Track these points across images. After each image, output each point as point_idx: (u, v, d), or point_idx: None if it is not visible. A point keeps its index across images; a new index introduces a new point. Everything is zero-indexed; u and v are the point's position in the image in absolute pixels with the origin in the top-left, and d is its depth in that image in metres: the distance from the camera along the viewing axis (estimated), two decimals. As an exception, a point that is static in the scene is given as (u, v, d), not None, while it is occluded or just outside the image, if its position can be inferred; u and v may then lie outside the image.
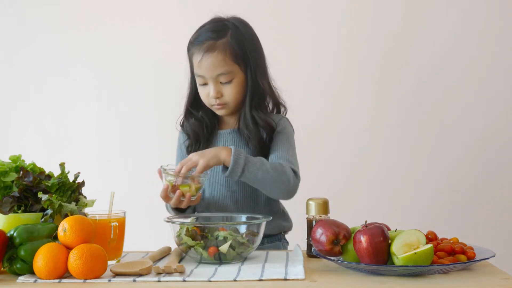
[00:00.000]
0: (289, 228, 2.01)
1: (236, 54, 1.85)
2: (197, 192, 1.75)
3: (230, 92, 1.86)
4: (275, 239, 1.96)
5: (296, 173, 1.82)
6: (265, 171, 1.76)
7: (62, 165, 1.67)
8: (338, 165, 2.90)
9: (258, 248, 1.86)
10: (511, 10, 2.87)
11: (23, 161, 1.67)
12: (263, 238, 1.90)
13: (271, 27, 2.81)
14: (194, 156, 1.75)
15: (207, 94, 1.88)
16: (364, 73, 2.90)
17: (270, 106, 1.97)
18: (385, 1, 2.89)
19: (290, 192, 1.83)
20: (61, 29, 2.99)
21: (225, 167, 1.77)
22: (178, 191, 1.72)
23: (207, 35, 1.86)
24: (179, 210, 1.85)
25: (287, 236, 2.04)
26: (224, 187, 1.92)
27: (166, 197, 1.75)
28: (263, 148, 1.89)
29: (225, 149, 1.76)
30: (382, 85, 2.90)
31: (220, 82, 1.86)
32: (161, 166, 1.76)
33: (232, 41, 1.85)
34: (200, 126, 1.94)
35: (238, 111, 1.93)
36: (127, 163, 2.96)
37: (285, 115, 2.00)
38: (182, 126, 2.00)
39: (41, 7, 2.99)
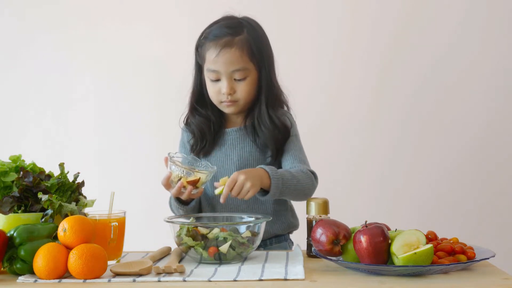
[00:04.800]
0: (296, 226, 2.00)
1: (253, 51, 1.85)
2: (200, 186, 1.74)
3: (243, 89, 1.86)
4: (282, 238, 1.96)
5: (314, 175, 1.87)
6: (295, 184, 1.79)
7: (61, 165, 1.67)
8: (338, 165, 2.90)
9: (266, 249, 1.86)
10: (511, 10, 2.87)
11: (23, 161, 1.67)
12: (270, 238, 1.91)
13: (272, 26, 2.81)
14: (239, 176, 1.69)
15: (218, 91, 1.86)
16: (364, 73, 2.90)
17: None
18: (385, 0, 2.89)
19: (310, 195, 1.85)
20: (61, 29, 2.99)
21: (262, 189, 1.76)
22: (180, 182, 1.71)
23: (223, 31, 1.85)
24: (183, 203, 1.85)
25: (291, 236, 2.03)
26: None
27: (167, 185, 1.74)
28: (277, 148, 1.89)
29: (264, 173, 1.74)
30: (383, 85, 2.90)
31: (234, 79, 1.85)
32: (169, 154, 1.73)
33: (250, 39, 1.85)
34: (206, 123, 1.92)
35: (246, 110, 1.93)
36: (127, 163, 2.96)
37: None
38: (187, 123, 1.98)
39: (41, 7, 2.99)
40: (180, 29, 2.85)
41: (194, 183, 1.71)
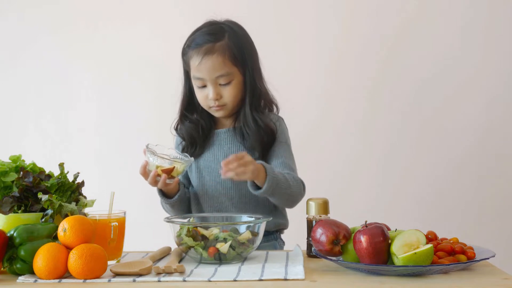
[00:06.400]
0: (285, 225, 2.02)
1: (235, 56, 1.88)
2: (176, 175, 1.76)
3: (229, 94, 1.89)
4: (271, 238, 1.97)
5: (303, 184, 1.89)
6: (286, 188, 1.81)
7: (61, 165, 1.67)
8: (338, 165, 2.90)
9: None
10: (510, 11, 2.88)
11: (23, 161, 1.67)
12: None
13: (266, 28, 2.82)
14: (247, 157, 1.70)
15: (205, 96, 1.90)
16: (364, 73, 2.90)
17: (262, 104, 1.98)
18: (381, 3, 2.89)
19: (296, 203, 1.90)
20: (61, 29, 2.99)
21: (253, 183, 1.79)
22: (154, 170, 1.75)
23: (204, 38, 1.88)
24: (166, 196, 1.88)
25: (284, 236, 2.05)
26: (220, 185, 1.93)
27: (144, 174, 1.78)
28: (263, 150, 1.91)
29: (262, 168, 1.75)
30: (382, 85, 2.90)
31: (219, 84, 1.88)
32: (147, 145, 1.77)
33: (231, 43, 1.88)
34: (195, 128, 1.96)
35: (235, 112, 1.95)
36: (127, 163, 2.95)
37: (278, 113, 2.02)
38: (176, 129, 2.02)
39: (41, 7, 2.99)
40: (180, 30, 2.84)
41: (169, 172, 1.74)
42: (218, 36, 1.88)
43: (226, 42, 1.87)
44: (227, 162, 1.69)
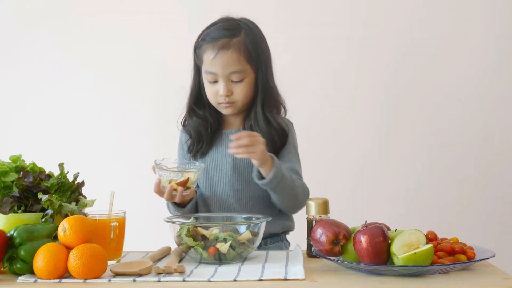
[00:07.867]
0: (291, 227, 2.01)
1: (250, 53, 1.86)
2: (191, 185, 1.75)
3: (241, 91, 1.87)
4: (278, 239, 1.96)
5: (308, 192, 1.89)
6: (291, 188, 1.81)
7: (61, 165, 1.67)
8: (338, 165, 2.90)
9: (261, 248, 1.86)
10: (510, 11, 2.88)
11: (23, 161, 1.67)
12: (266, 238, 1.92)
13: (273, 29, 2.81)
14: (260, 138, 1.72)
15: (216, 92, 1.88)
16: (365, 73, 2.90)
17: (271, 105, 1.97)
18: (390, 5, 2.89)
19: (297, 209, 1.91)
20: (61, 29, 2.99)
21: (258, 171, 1.79)
22: (169, 185, 1.72)
23: (221, 33, 1.86)
24: (179, 206, 1.86)
25: (288, 237, 2.04)
26: (228, 186, 1.92)
27: (159, 192, 1.76)
28: (274, 151, 1.88)
29: (270, 159, 1.76)
30: (383, 84, 2.89)
31: (232, 81, 1.86)
32: (155, 161, 1.75)
33: (247, 40, 1.86)
34: (203, 125, 1.94)
35: (244, 112, 1.94)
36: (127, 163, 2.95)
37: (285, 115, 2.01)
38: (184, 125, 1.99)
39: (41, 6, 2.99)
40: (182, 29, 2.85)
41: (184, 184, 1.72)
42: (234, 32, 1.86)
43: (242, 38, 1.86)
44: (238, 136, 1.69)
